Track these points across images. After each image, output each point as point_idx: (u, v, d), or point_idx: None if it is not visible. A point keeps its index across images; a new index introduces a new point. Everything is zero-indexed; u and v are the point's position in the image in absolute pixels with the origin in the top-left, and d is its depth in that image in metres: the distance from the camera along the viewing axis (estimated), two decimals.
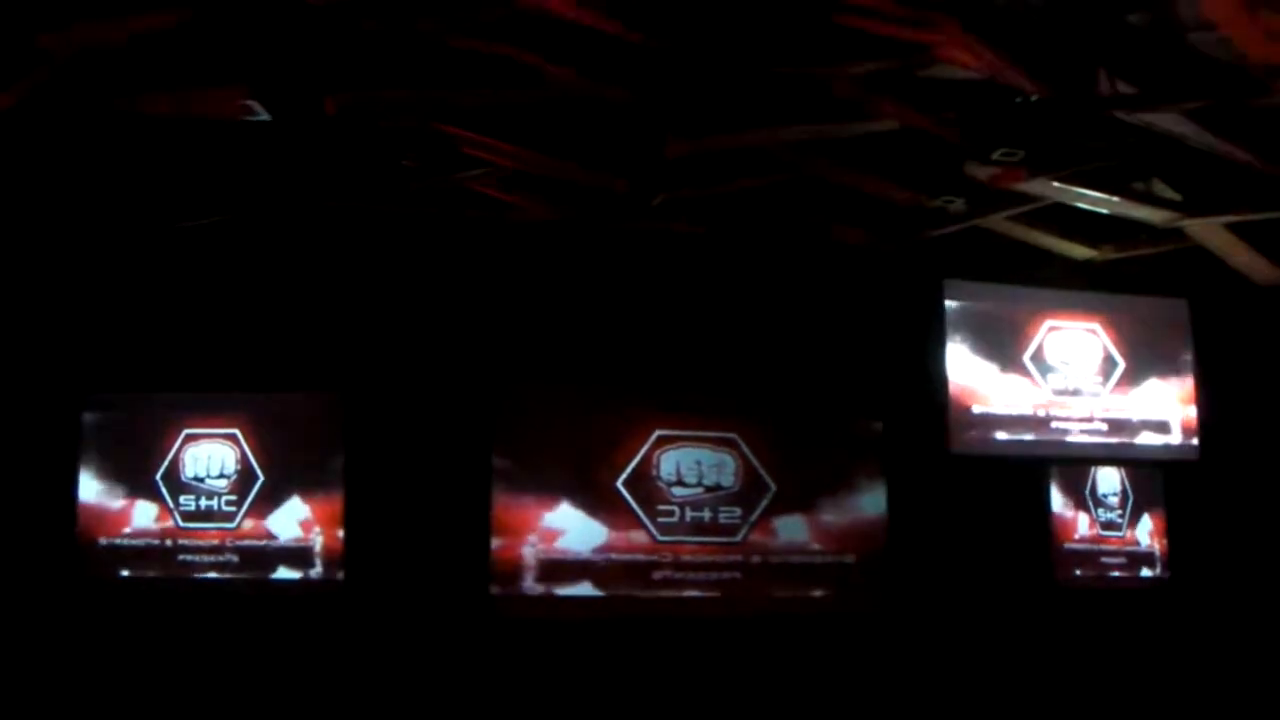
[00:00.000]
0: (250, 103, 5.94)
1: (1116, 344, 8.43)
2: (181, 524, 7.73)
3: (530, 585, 7.53)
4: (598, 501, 7.68)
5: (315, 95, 6.04)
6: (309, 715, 7.18)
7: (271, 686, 7.20)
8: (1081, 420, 8.26)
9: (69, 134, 6.36)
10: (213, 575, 7.67)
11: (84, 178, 6.91)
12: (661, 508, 7.76)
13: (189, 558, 7.70)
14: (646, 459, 7.79)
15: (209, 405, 7.82)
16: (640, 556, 7.70)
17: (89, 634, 7.35)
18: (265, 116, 6.07)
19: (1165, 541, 8.50)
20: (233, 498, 7.77)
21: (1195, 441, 8.42)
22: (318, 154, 6.81)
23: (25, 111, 5.74)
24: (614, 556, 7.64)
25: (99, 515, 7.70)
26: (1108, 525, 8.42)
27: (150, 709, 7.08)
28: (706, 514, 7.81)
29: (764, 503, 7.88)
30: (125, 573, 7.66)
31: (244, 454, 7.80)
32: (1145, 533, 8.54)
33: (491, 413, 7.69)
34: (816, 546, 7.89)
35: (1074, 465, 8.37)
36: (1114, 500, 8.48)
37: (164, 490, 7.76)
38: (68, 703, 7.03)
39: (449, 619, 7.45)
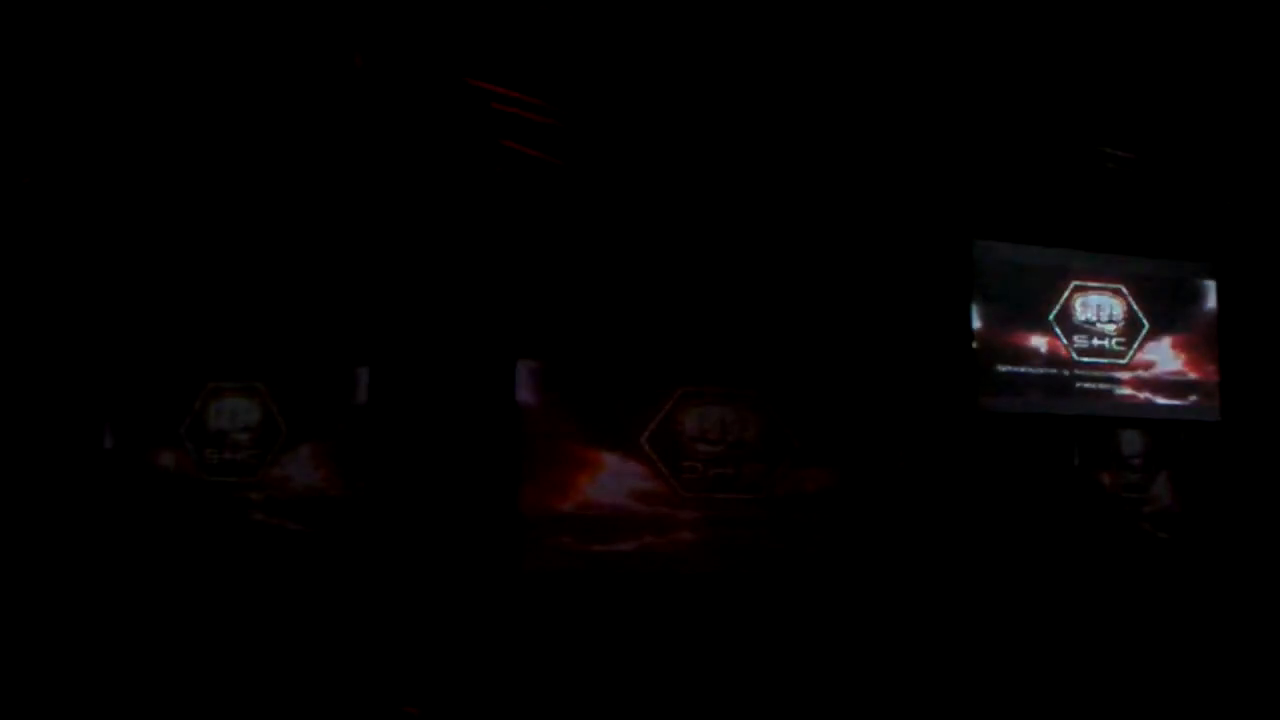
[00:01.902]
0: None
1: (1141, 305, 8.45)
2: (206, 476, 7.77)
3: (556, 539, 7.56)
4: (622, 457, 7.70)
5: (345, 49, 6.04)
6: (331, 671, 7.23)
7: (293, 645, 7.24)
8: (1106, 380, 8.30)
9: (101, 99, 6.35)
10: (235, 526, 7.70)
11: (106, 141, 6.91)
12: (686, 464, 7.80)
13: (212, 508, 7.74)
14: (671, 416, 7.80)
15: (234, 359, 7.83)
16: (664, 510, 7.73)
17: (117, 585, 7.41)
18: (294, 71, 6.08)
19: (1186, 502, 8.52)
20: (255, 451, 7.79)
21: (1217, 403, 8.47)
22: (347, 108, 6.80)
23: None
24: (638, 511, 7.67)
25: (131, 467, 7.74)
26: (1130, 486, 8.44)
27: (171, 658, 7.13)
28: (730, 470, 7.84)
29: (788, 459, 7.90)
30: (153, 523, 7.69)
31: (267, 407, 7.82)
32: (1166, 491, 8.54)
33: (517, 370, 7.70)
34: (842, 503, 7.91)
35: (1098, 425, 8.39)
36: (1136, 461, 8.49)
37: (189, 443, 7.80)
38: (93, 653, 7.10)
39: (474, 573, 7.48)
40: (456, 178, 7.59)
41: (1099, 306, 8.37)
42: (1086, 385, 8.26)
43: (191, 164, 7.37)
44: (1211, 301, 8.57)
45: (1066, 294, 8.29)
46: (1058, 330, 8.22)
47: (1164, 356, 8.44)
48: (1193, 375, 8.48)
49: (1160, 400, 8.38)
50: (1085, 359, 8.28)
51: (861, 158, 7.31)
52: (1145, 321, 8.42)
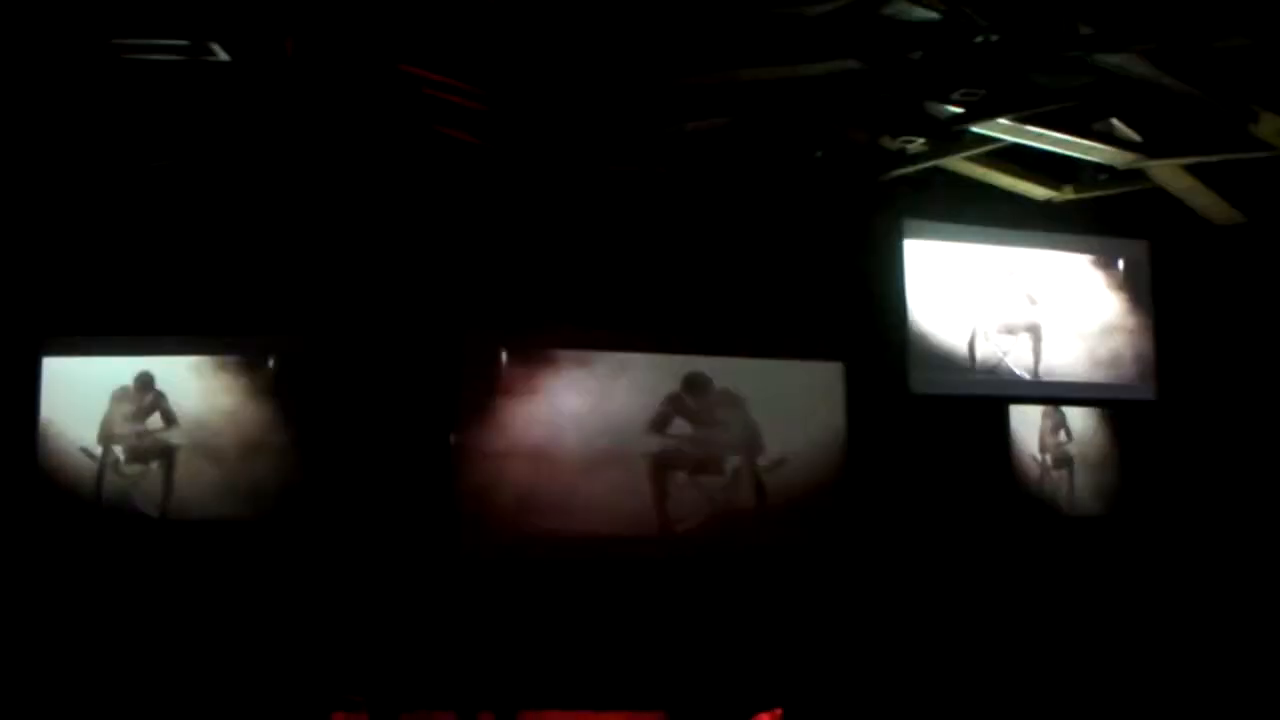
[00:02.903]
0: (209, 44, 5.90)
1: (1077, 284, 8.53)
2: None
3: (500, 522, 7.52)
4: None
5: (276, 36, 5.99)
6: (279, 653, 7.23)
7: (228, 631, 7.22)
8: (1040, 360, 8.37)
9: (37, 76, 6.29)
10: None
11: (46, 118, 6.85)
12: None
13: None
14: None
15: (168, 348, 7.71)
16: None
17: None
18: (224, 58, 6.03)
19: (1119, 481, 8.58)
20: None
21: (1152, 382, 8.56)
22: (279, 96, 6.76)
23: None
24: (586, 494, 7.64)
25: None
26: (1061, 464, 8.48)
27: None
28: None
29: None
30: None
31: None
32: (1101, 471, 8.58)
33: (458, 356, 7.66)
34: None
35: (1032, 405, 8.44)
36: (1072, 440, 8.52)
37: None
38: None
39: (413, 559, 7.44)
40: (391, 163, 7.58)
41: (1034, 286, 8.45)
42: (1021, 365, 8.34)
43: (131, 152, 7.31)
44: (1148, 280, 8.66)
45: (1001, 273, 8.37)
46: (993, 309, 8.31)
47: (1100, 336, 8.52)
48: (1129, 353, 8.57)
49: (1095, 380, 8.47)
50: (1020, 338, 8.35)
51: (791, 142, 7.34)
52: (1081, 300, 8.51)
